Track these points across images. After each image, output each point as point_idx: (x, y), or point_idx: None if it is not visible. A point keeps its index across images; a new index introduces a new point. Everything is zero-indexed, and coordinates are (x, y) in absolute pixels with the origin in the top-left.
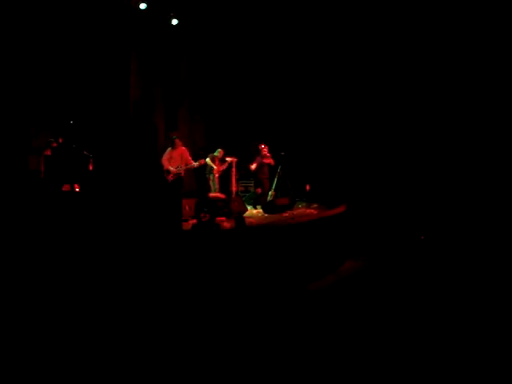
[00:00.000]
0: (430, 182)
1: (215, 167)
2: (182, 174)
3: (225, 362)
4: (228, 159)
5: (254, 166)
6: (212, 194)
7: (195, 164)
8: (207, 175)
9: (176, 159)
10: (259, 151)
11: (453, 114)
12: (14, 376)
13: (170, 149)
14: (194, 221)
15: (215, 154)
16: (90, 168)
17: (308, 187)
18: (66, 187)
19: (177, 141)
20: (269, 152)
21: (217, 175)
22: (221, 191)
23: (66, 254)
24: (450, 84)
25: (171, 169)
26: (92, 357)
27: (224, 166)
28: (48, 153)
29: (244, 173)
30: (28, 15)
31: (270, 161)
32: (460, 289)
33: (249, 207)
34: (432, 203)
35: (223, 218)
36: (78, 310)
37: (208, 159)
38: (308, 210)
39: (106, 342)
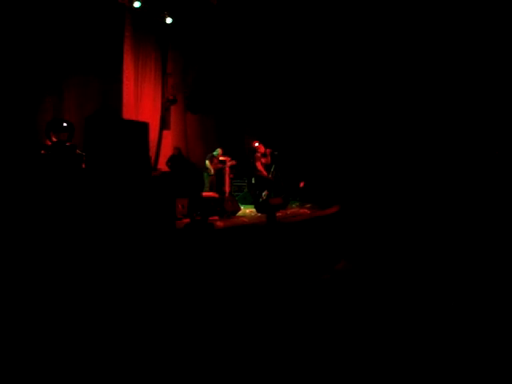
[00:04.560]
0: (426, 183)
1: (212, 170)
2: None
3: (222, 360)
4: (222, 158)
5: (263, 161)
6: (205, 194)
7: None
8: (204, 173)
9: None
10: (255, 149)
11: (448, 115)
12: (14, 376)
13: None
14: (187, 220)
15: (214, 153)
16: (83, 166)
17: (302, 184)
18: None
19: None
20: (266, 150)
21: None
22: (214, 190)
23: (60, 252)
24: (444, 85)
25: None
26: (84, 355)
27: (221, 165)
28: (41, 151)
29: (235, 173)
30: (22, 15)
31: (268, 160)
32: (458, 288)
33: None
34: (427, 203)
35: (216, 218)
36: (70, 306)
37: (207, 162)
38: (301, 210)
39: (100, 340)
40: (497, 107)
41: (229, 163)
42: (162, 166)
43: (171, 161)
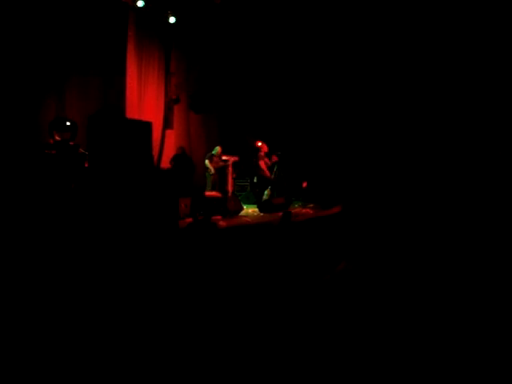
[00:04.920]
0: (427, 182)
1: (212, 170)
2: None
3: (223, 359)
4: (225, 157)
5: (267, 160)
6: (208, 193)
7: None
8: (206, 172)
9: None
10: (258, 149)
11: (450, 115)
12: (14, 376)
13: None
14: (190, 219)
15: (213, 152)
16: (86, 165)
17: (305, 184)
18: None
19: None
20: (269, 150)
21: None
22: (217, 190)
23: (62, 250)
24: (446, 85)
25: None
26: (84, 354)
27: (222, 163)
28: (44, 150)
29: (237, 172)
30: (24, 13)
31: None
32: (457, 289)
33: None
34: (428, 203)
35: (219, 217)
36: (72, 305)
37: (207, 161)
38: (304, 210)
39: (101, 339)
40: (497, 107)
41: (231, 160)
42: (165, 165)
43: (175, 160)
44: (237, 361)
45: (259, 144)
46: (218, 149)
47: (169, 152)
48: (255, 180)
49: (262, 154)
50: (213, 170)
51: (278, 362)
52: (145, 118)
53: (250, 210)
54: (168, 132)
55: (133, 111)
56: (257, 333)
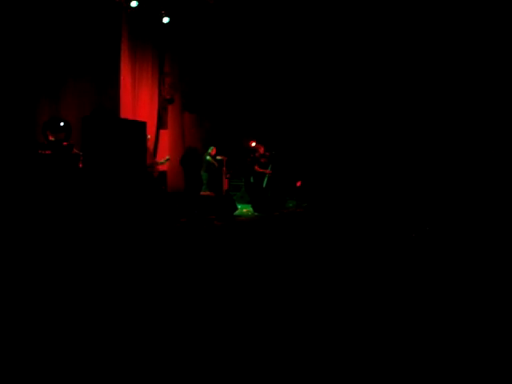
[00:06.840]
0: (425, 179)
1: (216, 164)
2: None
3: (222, 358)
4: (219, 157)
5: (262, 161)
6: (202, 193)
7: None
8: (204, 172)
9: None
10: (253, 150)
11: (445, 113)
12: (14, 376)
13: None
14: (184, 219)
15: (209, 151)
16: (80, 166)
17: (299, 183)
18: None
19: None
20: (265, 151)
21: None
22: (211, 189)
23: (58, 250)
24: (440, 85)
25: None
26: (82, 354)
27: (217, 164)
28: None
29: (231, 172)
30: (19, 14)
31: (265, 160)
32: (454, 287)
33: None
34: (426, 201)
35: (213, 217)
36: (69, 304)
37: (208, 157)
38: (298, 210)
39: (98, 338)
40: (493, 107)
41: (224, 160)
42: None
43: (184, 161)
44: (236, 360)
45: (253, 144)
46: (212, 148)
47: (163, 152)
48: (252, 180)
49: (257, 155)
50: (216, 164)
51: (278, 361)
52: (139, 118)
53: (244, 209)
54: (162, 132)
55: (127, 111)
56: (257, 330)
